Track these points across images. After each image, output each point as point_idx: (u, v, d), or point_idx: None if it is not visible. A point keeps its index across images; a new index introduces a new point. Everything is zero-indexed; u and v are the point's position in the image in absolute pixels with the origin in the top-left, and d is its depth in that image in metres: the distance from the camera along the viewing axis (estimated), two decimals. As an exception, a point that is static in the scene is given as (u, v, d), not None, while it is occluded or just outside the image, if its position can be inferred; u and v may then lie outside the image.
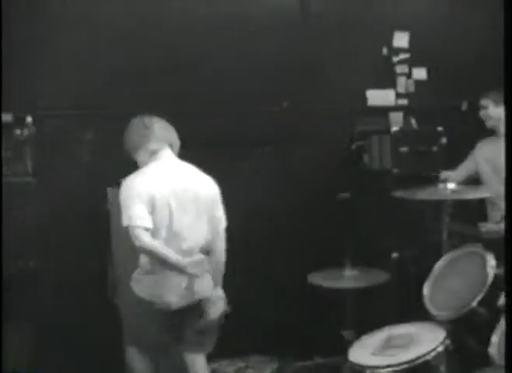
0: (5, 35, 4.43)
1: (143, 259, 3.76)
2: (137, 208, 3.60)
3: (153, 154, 3.86)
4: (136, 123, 3.94)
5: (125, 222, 3.60)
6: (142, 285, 3.74)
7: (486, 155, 4.93)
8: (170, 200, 3.69)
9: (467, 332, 3.57)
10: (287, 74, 5.14)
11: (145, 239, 3.56)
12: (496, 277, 3.54)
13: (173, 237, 3.69)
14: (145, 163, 3.85)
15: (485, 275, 3.54)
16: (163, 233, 3.67)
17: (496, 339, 3.29)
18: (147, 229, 3.59)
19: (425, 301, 3.78)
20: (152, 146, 3.85)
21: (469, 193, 4.21)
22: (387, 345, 3.61)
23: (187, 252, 3.71)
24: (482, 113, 4.92)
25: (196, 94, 4.91)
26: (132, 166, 4.22)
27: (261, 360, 4.80)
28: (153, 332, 3.77)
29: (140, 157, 3.90)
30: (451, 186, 4.12)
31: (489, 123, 4.90)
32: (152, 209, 3.64)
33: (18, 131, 4.52)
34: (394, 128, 5.08)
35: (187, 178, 3.86)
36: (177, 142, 3.98)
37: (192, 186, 3.82)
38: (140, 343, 3.89)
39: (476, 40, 5.49)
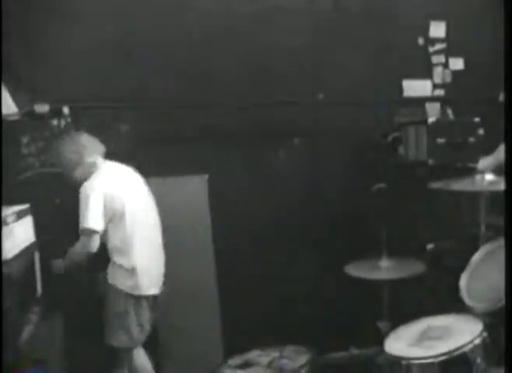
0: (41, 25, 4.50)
1: None
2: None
3: (91, 166, 4.19)
4: (66, 142, 4.25)
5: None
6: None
7: None
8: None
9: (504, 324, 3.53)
10: (323, 66, 5.14)
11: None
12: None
13: None
14: (85, 177, 4.16)
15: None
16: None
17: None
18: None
19: (461, 292, 3.75)
20: (89, 159, 4.19)
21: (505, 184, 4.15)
22: (424, 336, 3.59)
23: None
24: None
25: (232, 86, 4.94)
26: (167, 156, 4.32)
27: (296, 351, 4.80)
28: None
29: (78, 172, 4.19)
30: (489, 177, 4.08)
31: None
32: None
33: (55, 122, 4.59)
34: (431, 119, 5.04)
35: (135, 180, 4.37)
36: (103, 150, 4.32)
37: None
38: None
39: (514, 29, 5.42)
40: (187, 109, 4.80)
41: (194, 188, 4.93)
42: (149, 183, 4.44)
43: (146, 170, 4.44)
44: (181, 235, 4.80)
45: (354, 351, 5.03)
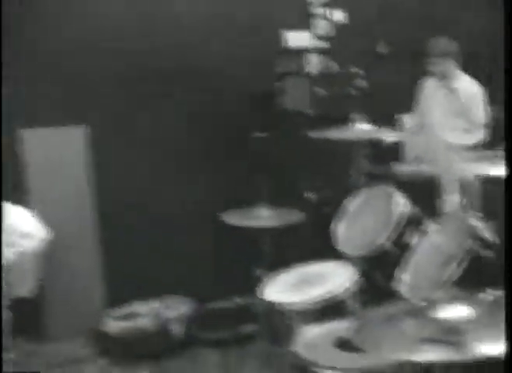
0: None
1: None
2: None
3: None
4: None
5: None
6: None
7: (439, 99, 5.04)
8: None
9: (378, 269, 3.62)
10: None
11: None
12: (403, 215, 3.57)
13: None
14: None
15: (394, 213, 3.59)
16: None
17: (404, 275, 3.35)
18: None
19: (337, 239, 3.82)
20: None
21: (383, 134, 4.24)
22: (301, 283, 3.64)
23: None
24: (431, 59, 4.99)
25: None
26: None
27: (177, 301, 4.80)
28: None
29: None
30: (365, 126, 4.14)
31: (437, 68, 4.98)
32: None
33: None
34: (312, 70, 5.06)
35: None
36: None
37: None
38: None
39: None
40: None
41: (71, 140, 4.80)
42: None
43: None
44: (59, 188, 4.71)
45: (236, 300, 5.05)
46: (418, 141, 5.09)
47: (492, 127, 4.98)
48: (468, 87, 5.10)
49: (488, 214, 3.66)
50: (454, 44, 5.09)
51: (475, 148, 4.66)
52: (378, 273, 3.57)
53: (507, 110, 3.22)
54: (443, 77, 5.13)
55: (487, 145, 4.75)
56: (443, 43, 5.08)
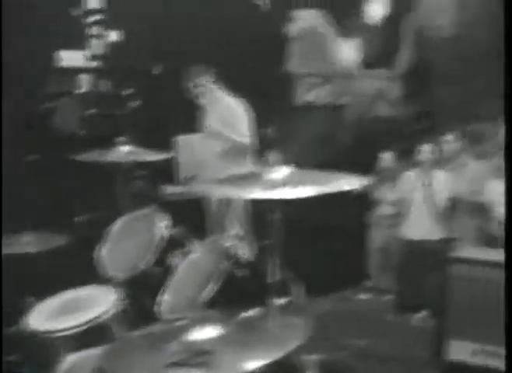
0: None
1: None
2: None
3: None
4: None
5: None
6: None
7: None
8: None
9: (142, 291, 3.63)
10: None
11: None
12: (164, 237, 3.60)
13: None
14: None
15: (156, 235, 3.62)
16: None
17: (165, 296, 3.38)
18: None
19: (101, 263, 3.78)
20: None
21: (146, 155, 4.22)
22: (65, 309, 3.56)
23: None
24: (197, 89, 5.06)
25: None
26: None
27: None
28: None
29: None
30: (127, 148, 4.12)
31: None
32: None
33: None
34: (83, 90, 5.00)
35: None
36: None
37: None
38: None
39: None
40: None
41: None
42: None
43: None
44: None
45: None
46: (189, 161, 5.17)
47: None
48: (230, 106, 5.21)
49: (255, 234, 3.80)
50: (211, 70, 5.18)
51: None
52: (143, 296, 3.58)
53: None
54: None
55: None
56: (198, 70, 5.15)
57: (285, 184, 2.49)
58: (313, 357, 4.49)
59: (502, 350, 2.12)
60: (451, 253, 2.43)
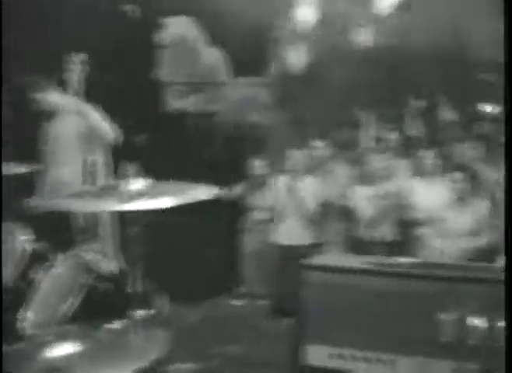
0: None
1: None
2: None
3: None
4: None
5: None
6: None
7: None
8: None
9: (5, 307, 3.50)
10: None
11: None
12: (26, 252, 3.48)
13: None
14: None
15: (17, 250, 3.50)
16: None
17: (29, 312, 3.28)
18: None
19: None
20: None
21: (10, 167, 4.08)
22: None
23: None
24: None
25: None
26: None
27: None
28: None
29: None
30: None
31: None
32: None
33: None
34: None
35: None
36: None
37: None
38: None
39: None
40: None
41: None
42: None
43: None
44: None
45: None
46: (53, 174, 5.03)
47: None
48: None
49: (120, 247, 3.74)
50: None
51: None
52: (5, 312, 3.45)
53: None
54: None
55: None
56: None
57: (143, 195, 2.47)
58: (184, 367, 4.50)
59: (359, 353, 2.19)
60: (308, 260, 2.49)
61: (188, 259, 6.17)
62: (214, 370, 4.59)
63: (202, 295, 6.02)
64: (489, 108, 6.14)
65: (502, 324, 2.03)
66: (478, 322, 2.03)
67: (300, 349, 2.21)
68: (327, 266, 2.26)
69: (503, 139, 3.11)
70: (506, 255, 2.16)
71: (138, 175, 2.61)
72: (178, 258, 6.13)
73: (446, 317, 2.07)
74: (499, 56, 3.22)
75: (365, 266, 2.22)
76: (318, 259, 2.32)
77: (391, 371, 2.13)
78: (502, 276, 2.18)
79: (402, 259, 2.33)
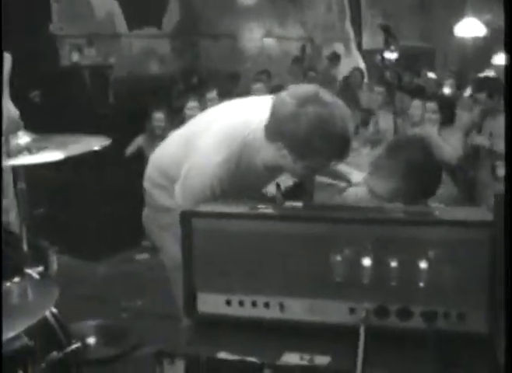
0: None
1: None
2: None
3: None
4: None
5: None
6: None
7: None
8: None
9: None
10: None
11: None
12: None
13: None
14: None
15: None
16: None
17: None
18: None
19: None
20: None
21: None
22: None
23: None
24: None
25: None
26: None
27: None
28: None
29: None
30: None
31: None
32: None
33: None
34: None
35: None
36: None
37: None
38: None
39: None
40: None
41: None
42: None
43: None
44: None
45: None
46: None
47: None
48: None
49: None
50: None
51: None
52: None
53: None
54: None
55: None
56: None
57: (29, 150, 2.42)
58: (91, 323, 4.47)
59: (248, 298, 2.22)
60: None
61: (90, 214, 6.09)
62: (119, 324, 4.59)
63: (109, 250, 5.97)
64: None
65: (395, 264, 2.07)
66: (368, 261, 2.07)
67: (191, 298, 2.21)
68: (214, 212, 2.24)
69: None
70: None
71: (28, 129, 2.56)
72: (79, 214, 6.04)
73: (338, 258, 2.10)
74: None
75: (253, 211, 2.22)
76: (205, 207, 2.29)
77: (282, 312, 2.16)
78: (395, 216, 2.25)
79: (291, 203, 2.34)
